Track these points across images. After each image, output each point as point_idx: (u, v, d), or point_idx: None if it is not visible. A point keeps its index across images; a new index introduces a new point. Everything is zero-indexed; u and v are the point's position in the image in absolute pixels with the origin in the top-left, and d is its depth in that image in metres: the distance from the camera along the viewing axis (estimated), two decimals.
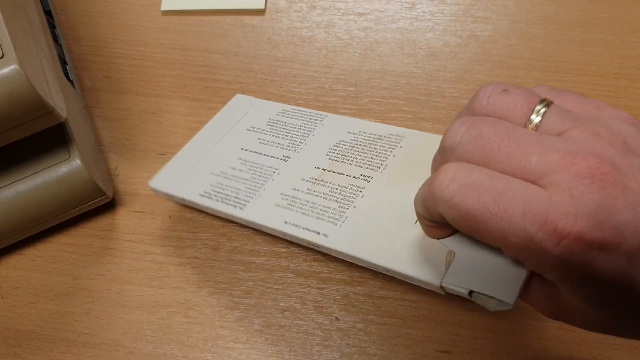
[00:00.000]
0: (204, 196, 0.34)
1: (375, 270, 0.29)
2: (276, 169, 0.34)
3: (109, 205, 0.39)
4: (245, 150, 0.35)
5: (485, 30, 0.41)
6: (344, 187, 0.31)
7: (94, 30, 0.43)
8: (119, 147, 0.40)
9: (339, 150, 0.33)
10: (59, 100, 0.33)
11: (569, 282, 0.20)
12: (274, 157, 0.34)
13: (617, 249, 0.18)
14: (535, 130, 0.20)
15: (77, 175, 0.35)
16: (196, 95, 0.41)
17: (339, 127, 0.35)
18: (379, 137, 0.33)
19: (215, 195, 0.34)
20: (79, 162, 0.35)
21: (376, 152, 0.33)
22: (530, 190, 0.19)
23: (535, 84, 0.39)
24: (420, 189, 0.23)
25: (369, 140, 0.33)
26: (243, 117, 0.37)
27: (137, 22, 0.43)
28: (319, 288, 0.35)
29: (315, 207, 0.31)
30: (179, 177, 0.35)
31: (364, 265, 0.29)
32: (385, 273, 0.28)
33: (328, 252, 0.31)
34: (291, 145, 0.35)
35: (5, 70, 0.29)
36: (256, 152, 0.35)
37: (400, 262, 0.27)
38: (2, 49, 0.30)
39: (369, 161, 0.32)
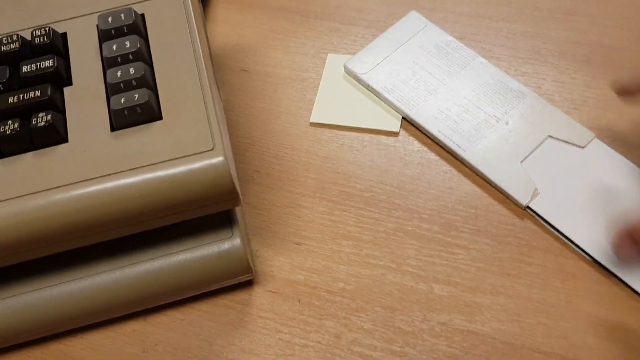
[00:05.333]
0: (385, 90, 0.50)
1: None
2: (436, 88, 0.50)
3: (248, 282, 0.44)
4: (416, 64, 0.51)
5: None
6: (482, 120, 0.48)
7: (250, 130, 0.51)
8: (261, 233, 0.46)
9: (482, 90, 0.49)
10: (239, 188, 0.39)
11: None
12: (436, 78, 0.50)
13: None
14: None
15: (236, 252, 0.40)
16: (332, 197, 0.47)
17: (484, 72, 0.50)
18: (510, 90, 0.49)
19: (394, 93, 0.50)
20: (239, 242, 0.41)
21: (507, 100, 0.49)
22: None
23: None
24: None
25: (503, 89, 0.49)
26: (415, 34, 0.53)
27: (288, 129, 0.51)
28: None
29: (461, 128, 0.48)
30: (367, 66, 0.52)
31: (484, 179, 0.46)
32: (494, 187, 0.46)
33: (463, 163, 0.47)
34: (450, 72, 0.51)
35: (214, 160, 0.36)
36: (425, 70, 0.51)
37: (505, 181, 0.45)
38: (213, 141, 0.36)
39: (501, 106, 0.48)
